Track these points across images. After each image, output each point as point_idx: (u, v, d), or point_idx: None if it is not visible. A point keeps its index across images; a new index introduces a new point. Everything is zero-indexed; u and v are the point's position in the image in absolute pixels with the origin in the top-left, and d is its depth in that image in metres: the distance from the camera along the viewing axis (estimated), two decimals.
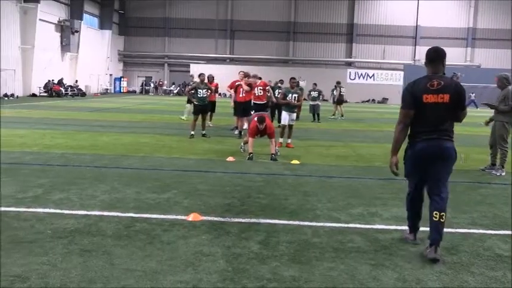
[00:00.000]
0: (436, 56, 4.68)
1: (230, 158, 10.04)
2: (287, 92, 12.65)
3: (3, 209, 5.69)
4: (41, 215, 5.48)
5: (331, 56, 54.73)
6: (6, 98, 32.35)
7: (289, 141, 12.50)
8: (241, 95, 14.51)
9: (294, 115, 12.92)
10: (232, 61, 53.64)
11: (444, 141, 4.61)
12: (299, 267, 4.20)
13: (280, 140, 12.34)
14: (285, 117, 12.54)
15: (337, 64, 54.86)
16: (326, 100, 34.09)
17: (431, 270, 4.24)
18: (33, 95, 36.79)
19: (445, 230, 5.40)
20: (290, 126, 12.58)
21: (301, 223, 5.54)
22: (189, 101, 17.63)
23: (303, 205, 6.42)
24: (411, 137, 4.74)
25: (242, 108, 14.42)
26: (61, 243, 4.59)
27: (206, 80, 14.74)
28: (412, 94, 4.63)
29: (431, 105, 4.54)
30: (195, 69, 47.94)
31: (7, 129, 14.21)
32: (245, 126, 13.93)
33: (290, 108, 12.57)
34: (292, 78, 13.08)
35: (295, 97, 12.55)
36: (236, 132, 14.58)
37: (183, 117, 19.18)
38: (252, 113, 14.15)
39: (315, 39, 54.28)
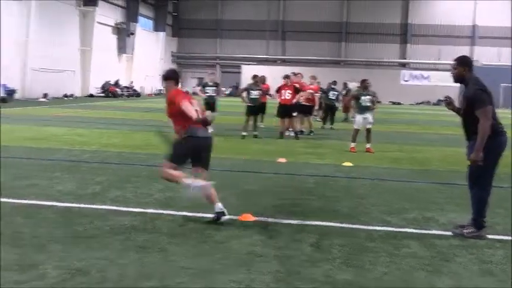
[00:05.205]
0: None
1: (281, 159, 10.03)
2: (360, 94, 12.08)
3: (65, 204, 5.93)
4: (99, 211, 5.66)
5: (383, 56, 53.78)
6: (65, 98, 33.64)
7: (368, 145, 11.83)
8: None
9: (371, 117, 12.01)
10: (284, 62, 53.62)
11: None
12: (352, 271, 4.14)
13: (352, 144, 11.85)
14: (359, 120, 11.94)
15: (390, 65, 53.89)
16: (380, 102, 33.43)
17: (491, 279, 4.09)
18: (91, 95, 38.06)
19: (503, 237, 5.23)
20: (368, 130, 11.92)
21: (354, 226, 5.47)
22: None
23: (355, 208, 6.34)
24: (493, 132, 5.10)
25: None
26: (118, 239, 4.73)
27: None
28: (488, 93, 5.18)
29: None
30: (246, 70, 48.38)
31: (68, 128, 14.80)
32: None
33: (365, 110, 11.91)
34: (365, 79, 12.40)
35: (369, 99, 11.93)
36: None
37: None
38: (295, 114, 14.18)
39: (367, 40, 53.49)
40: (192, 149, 5.43)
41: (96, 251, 4.38)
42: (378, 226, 5.51)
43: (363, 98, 11.96)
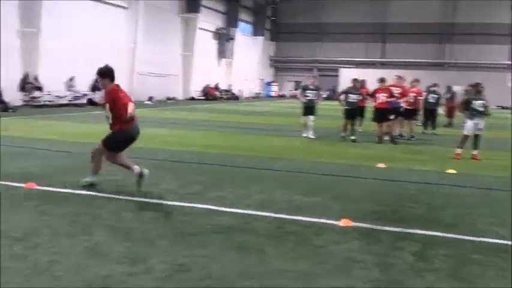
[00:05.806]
0: None
1: (380, 165, 9.77)
2: (472, 99, 11.32)
3: (169, 202, 6.20)
4: (200, 210, 5.85)
5: (490, 58, 50.57)
6: (168, 101, 35.25)
7: (475, 152, 11.20)
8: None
9: (482, 123, 11.27)
10: (383, 65, 52.23)
11: None
12: (459, 284, 3.94)
13: (458, 150, 11.24)
14: (470, 126, 11.20)
15: (498, 67, 50.57)
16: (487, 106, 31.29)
17: None
18: (192, 98, 39.55)
19: None
20: (477, 136, 11.24)
21: (461, 237, 5.18)
22: None
23: (461, 218, 6.02)
24: None
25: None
26: (218, 238, 4.86)
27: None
28: None
29: None
30: (344, 73, 47.80)
31: (170, 129, 15.49)
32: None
33: (476, 116, 11.13)
34: (478, 83, 11.68)
35: (481, 104, 11.15)
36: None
37: None
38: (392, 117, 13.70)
39: (472, 41, 50.58)
40: (128, 139, 6.76)
41: (198, 248, 4.53)
42: (487, 238, 5.18)
43: (475, 102, 11.21)
